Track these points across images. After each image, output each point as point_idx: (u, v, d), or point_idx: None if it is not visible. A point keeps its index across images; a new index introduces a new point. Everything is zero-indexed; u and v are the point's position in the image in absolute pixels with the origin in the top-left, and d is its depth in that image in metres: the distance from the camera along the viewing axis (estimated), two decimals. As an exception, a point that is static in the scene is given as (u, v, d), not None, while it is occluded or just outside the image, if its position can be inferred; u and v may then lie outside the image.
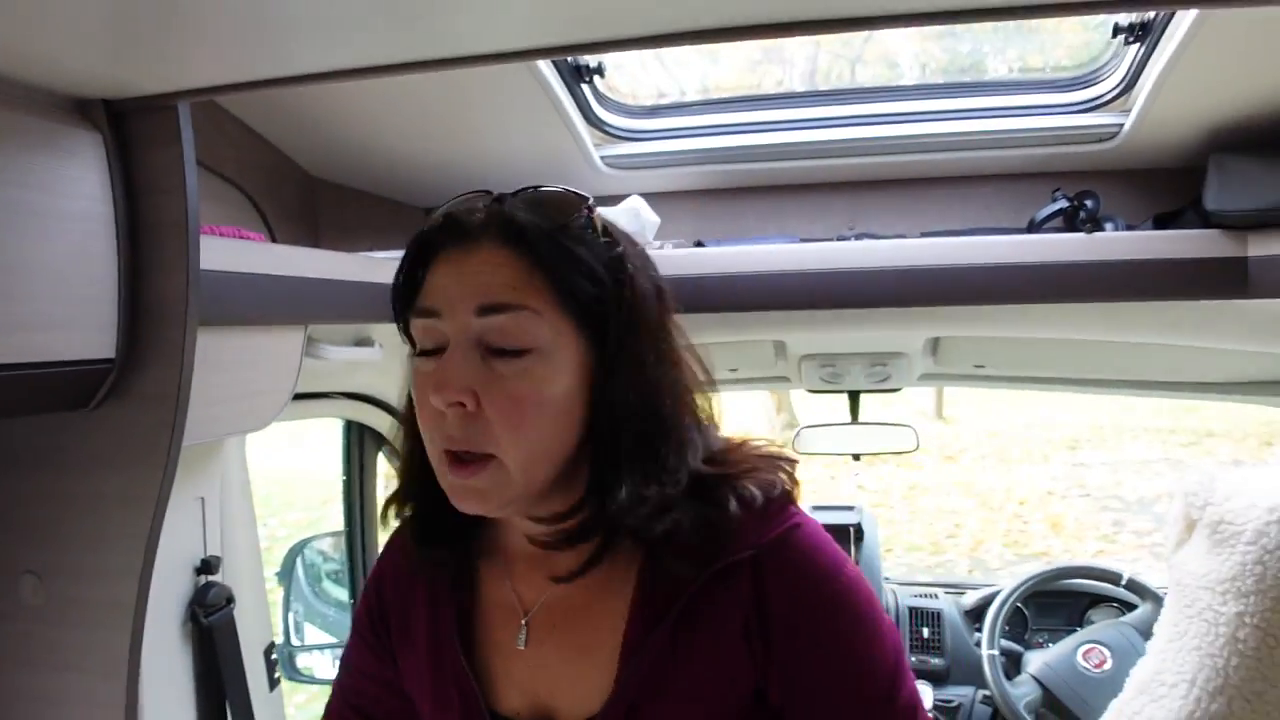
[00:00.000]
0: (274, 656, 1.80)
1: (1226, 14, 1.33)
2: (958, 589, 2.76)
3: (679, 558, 0.93)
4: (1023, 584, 2.45)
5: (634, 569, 0.98)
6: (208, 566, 1.52)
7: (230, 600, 1.55)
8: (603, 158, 1.91)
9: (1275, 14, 1.28)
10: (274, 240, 1.74)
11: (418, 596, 1.09)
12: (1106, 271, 1.58)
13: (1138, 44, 1.59)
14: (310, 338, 1.57)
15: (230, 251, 1.25)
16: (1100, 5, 0.80)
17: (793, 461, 1.02)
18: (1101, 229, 1.66)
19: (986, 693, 2.35)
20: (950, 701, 2.39)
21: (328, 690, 1.25)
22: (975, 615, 2.56)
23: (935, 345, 2.15)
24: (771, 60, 2.17)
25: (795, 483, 1.00)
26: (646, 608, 0.96)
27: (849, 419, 2.51)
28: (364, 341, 1.88)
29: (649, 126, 1.94)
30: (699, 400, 1.01)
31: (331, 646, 2.72)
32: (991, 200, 1.88)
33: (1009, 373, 2.30)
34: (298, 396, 1.60)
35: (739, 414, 11.15)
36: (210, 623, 1.50)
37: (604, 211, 1.78)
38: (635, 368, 0.94)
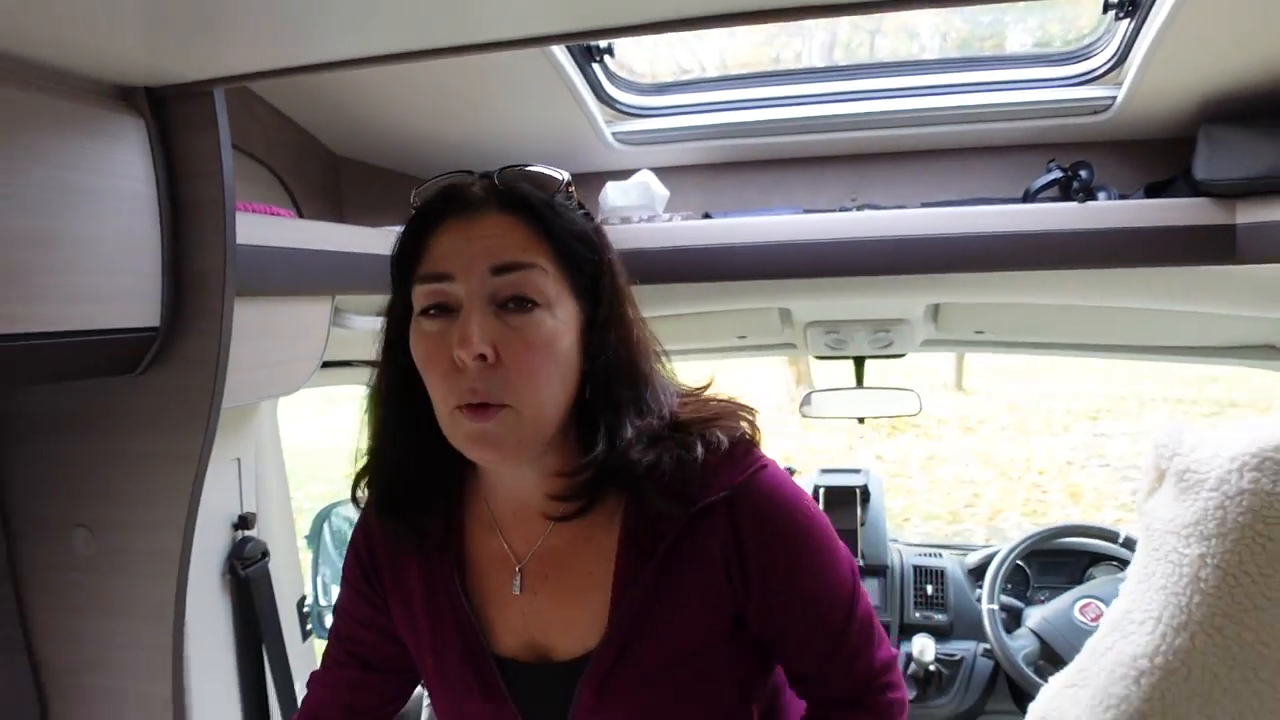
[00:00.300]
0: (306, 609, 1.90)
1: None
2: (962, 549, 2.83)
3: (661, 498, 1.02)
4: (1022, 543, 2.52)
5: (618, 516, 1.07)
6: (244, 522, 1.62)
7: (265, 554, 1.65)
8: (614, 134, 1.98)
9: (1256, -11, 1.33)
10: (301, 216, 1.82)
11: (407, 551, 1.17)
12: (1099, 239, 1.64)
13: (1127, 19, 1.63)
14: (337, 308, 1.65)
15: (262, 227, 1.33)
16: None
17: (753, 411, 1.11)
18: (1094, 198, 1.71)
19: (987, 646, 2.42)
20: (953, 655, 2.46)
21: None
22: (978, 574, 2.62)
23: (936, 312, 2.21)
24: (790, 33, 2.21)
25: (756, 429, 1.10)
26: (633, 549, 1.05)
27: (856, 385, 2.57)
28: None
29: (658, 103, 2.01)
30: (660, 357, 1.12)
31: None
32: (988, 171, 1.93)
33: (1008, 338, 2.36)
34: (326, 364, 1.69)
35: (760, 385, 11.19)
36: (247, 575, 1.60)
37: (615, 185, 1.86)
38: (621, 325, 1.05)
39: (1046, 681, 1.29)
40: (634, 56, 1.98)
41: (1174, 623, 1.11)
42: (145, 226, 1.11)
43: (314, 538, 2.74)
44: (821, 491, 2.72)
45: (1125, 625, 1.16)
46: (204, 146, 1.12)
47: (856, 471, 2.79)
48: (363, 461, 1.18)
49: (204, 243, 1.15)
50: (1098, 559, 2.60)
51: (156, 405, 1.22)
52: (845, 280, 1.78)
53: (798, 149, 2.00)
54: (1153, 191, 1.76)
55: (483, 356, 0.95)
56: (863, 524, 2.66)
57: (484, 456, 1.01)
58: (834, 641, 1.11)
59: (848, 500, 2.68)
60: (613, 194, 1.87)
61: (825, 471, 2.81)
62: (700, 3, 0.88)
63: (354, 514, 2.83)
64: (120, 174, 1.08)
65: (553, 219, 1.02)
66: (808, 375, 11.30)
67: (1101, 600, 2.33)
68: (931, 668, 2.42)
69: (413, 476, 1.11)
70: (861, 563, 2.63)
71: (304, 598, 1.89)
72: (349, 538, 2.90)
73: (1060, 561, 2.61)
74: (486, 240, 0.99)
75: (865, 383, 2.57)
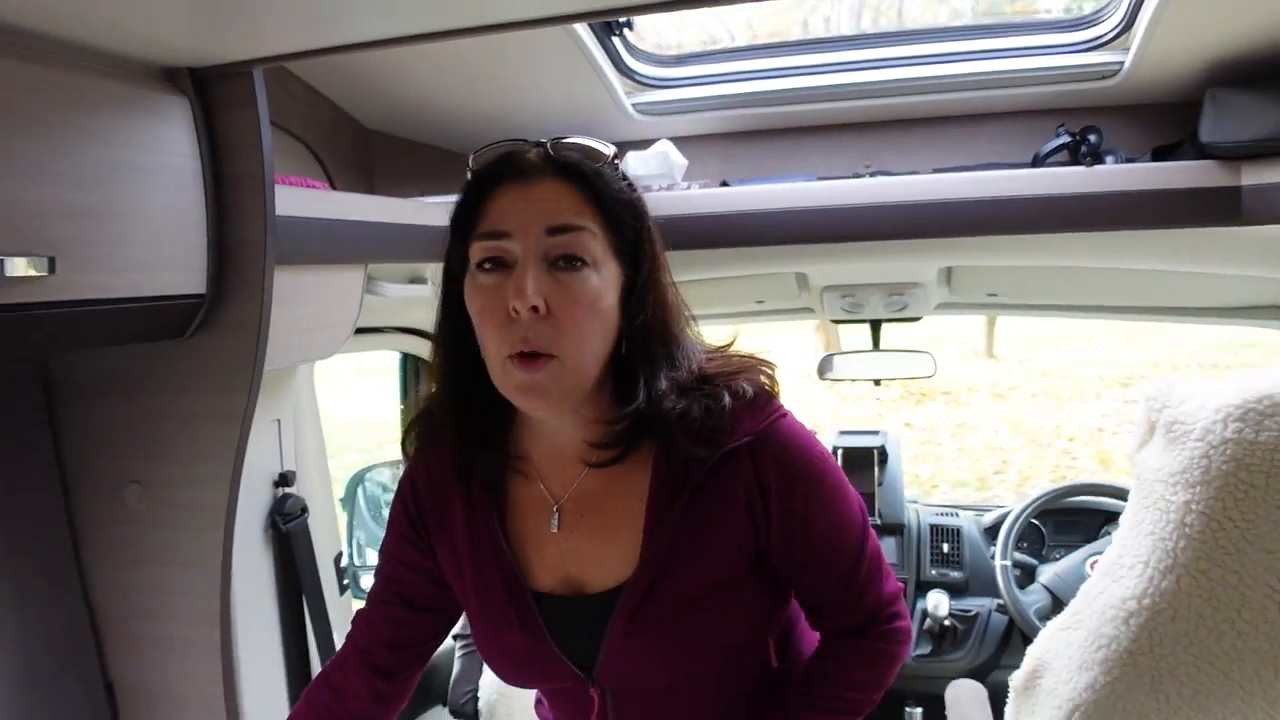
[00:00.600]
0: (343, 564, 1.98)
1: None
2: (979, 510, 2.88)
3: (691, 443, 1.10)
4: (1035, 501, 2.57)
5: (650, 461, 1.16)
6: (285, 480, 1.70)
7: (304, 510, 1.73)
8: (634, 105, 2.03)
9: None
10: (334, 188, 1.89)
11: (452, 500, 1.25)
12: (1107, 202, 1.68)
13: (1133, -16, 1.67)
14: (369, 276, 1.72)
15: (298, 199, 1.40)
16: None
17: (773, 365, 1.20)
18: (1102, 162, 1.75)
19: (1001, 602, 2.48)
20: (968, 611, 2.52)
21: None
22: (993, 532, 2.66)
23: (949, 275, 2.25)
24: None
25: (775, 382, 1.19)
26: (664, 490, 1.14)
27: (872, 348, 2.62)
28: (417, 279, 2.04)
29: (676, 74, 2.06)
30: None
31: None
32: (999, 137, 1.97)
33: (1020, 300, 2.39)
34: (359, 330, 1.76)
35: (789, 353, 11.17)
36: (288, 529, 1.69)
37: (635, 155, 1.92)
38: (657, 288, 1.14)
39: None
40: (663, 24, 2.03)
41: (1161, 566, 1.17)
42: (191, 200, 1.19)
43: (349, 500, 2.83)
44: (840, 452, 2.76)
45: (1116, 570, 1.23)
46: (244, 123, 1.20)
47: (874, 433, 2.83)
48: (412, 417, 1.28)
49: (245, 214, 1.22)
50: (1113, 517, 2.61)
51: (203, 368, 1.30)
52: (859, 245, 1.84)
53: (812, 117, 2.05)
54: (1160, 155, 1.80)
55: (535, 309, 1.03)
56: (880, 484, 2.71)
57: (531, 405, 1.09)
58: (847, 575, 1.20)
59: (865, 461, 2.72)
60: (633, 163, 1.93)
61: (844, 433, 2.85)
62: None
63: (386, 478, 2.93)
64: (167, 151, 1.16)
65: (602, 187, 1.10)
66: (836, 343, 11.26)
67: (1113, 556, 2.38)
68: (946, 623, 2.47)
69: (466, 422, 1.20)
70: (879, 522, 2.69)
71: (340, 554, 1.97)
72: (382, 501, 2.98)
73: (1075, 521, 2.64)
74: (543, 203, 1.08)
75: (883, 347, 2.62)
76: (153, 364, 1.32)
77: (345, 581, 2.00)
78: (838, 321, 2.60)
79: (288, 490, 1.70)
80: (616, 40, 1.90)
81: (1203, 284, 2.09)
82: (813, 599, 1.25)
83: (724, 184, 1.99)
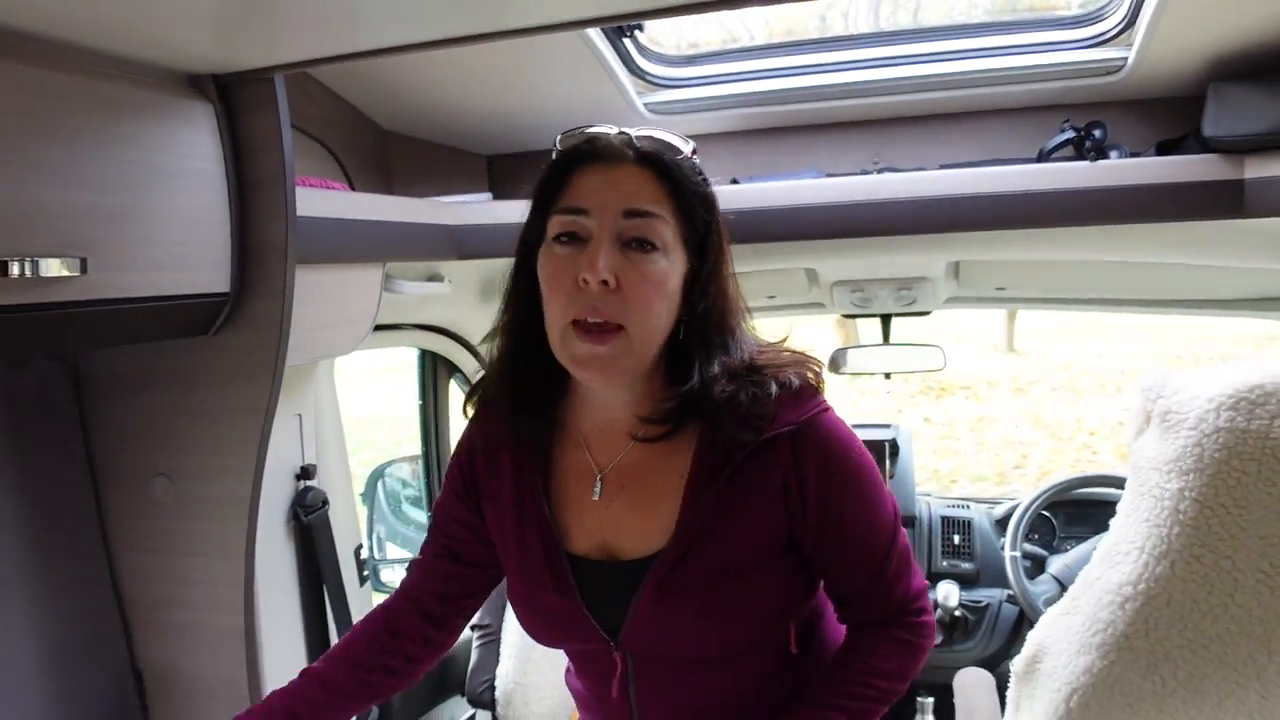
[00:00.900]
0: (363, 556, 2.03)
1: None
2: (990, 503, 2.89)
3: (735, 427, 1.16)
4: (1044, 492, 2.58)
5: (693, 440, 1.21)
6: (306, 473, 1.75)
7: (325, 503, 1.78)
8: (645, 104, 2.07)
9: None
10: (353, 189, 1.93)
11: (503, 463, 1.32)
12: (1112, 196, 1.70)
13: (1135, -19, 1.69)
14: (388, 274, 1.77)
15: (318, 200, 1.45)
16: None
17: (819, 363, 1.25)
18: (1107, 157, 1.77)
19: (1011, 593, 2.49)
20: (979, 602, 2.54)
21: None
22: (1004, 525, 2.66)
23: (957, 269, 2.28)
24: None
25: (820, 380, 1.24)
26: (704, 468, 1.20)
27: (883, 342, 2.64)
28: (434, 277, 2.08)
29: (687, 74, 2.09)
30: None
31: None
32: (1004, 132, 2.00)
33: (1028, 294, 2.41)
34: (378, 328, 1.81)
35: (809, 350, 11.09)
36: (309, 521, 1.74)
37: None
38: (720, 280, 1.20)
39: None
40: (683, 21, 2.07)
41: (1156, 552, 1.20)
42: (215, 202, 1.24)
43: (369, 495, 2.87)
44: (851, 446, 2.76)
45: (1112, 556, 1.25)
46: (266, 127, 1.24)
47: (885, 427, 2.85)
48: (476, 382, 1.35)
49: (267, 215, 1.27)
50: (1123, 509, 2.63)
51: (228, 364, 1.35)
52: (868, 240, 1.87)
53: (821, 115, 2.08)
54: (1164, 149, 1.82)
55: (605, 282, 1.09)
56: (891, 477, 2.73)
57: (590, 376, 1.15)
58: (877, 566, 1.25)
59: (877, 454, 2.73)
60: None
61: (856, 427, 2.86)
62: None
63: (406, 474, 2.96)
64: (192, 155, 1.21)
65: (680, 178, 1.16)
66: (855, 338, 11.23)
67: (1122, 547, 2.39)
68: (957, 613, 2.49)
69: (522, 389, 1.26)
70: (890, 514, 2.69)
71: (360, 546, 2.01)
72: (401, 496, 3.01)
73: (1086, 512, 2.65)
74: (623, 186, 1.14)
75: (895, 341, 2.64)
76: (179, 360, 1.37)
77: (365, 573, 2.04)
78: (849, 316, 2.62)
79: (309, 483, 1.75)
80: (627, 41, 1.94)
81: (1207, 276, 2.11)
82: (842, 590, 1.30)
83: (734, 181, 2.02)
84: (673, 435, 1.20)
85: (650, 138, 1.18)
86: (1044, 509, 2.60)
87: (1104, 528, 2.60)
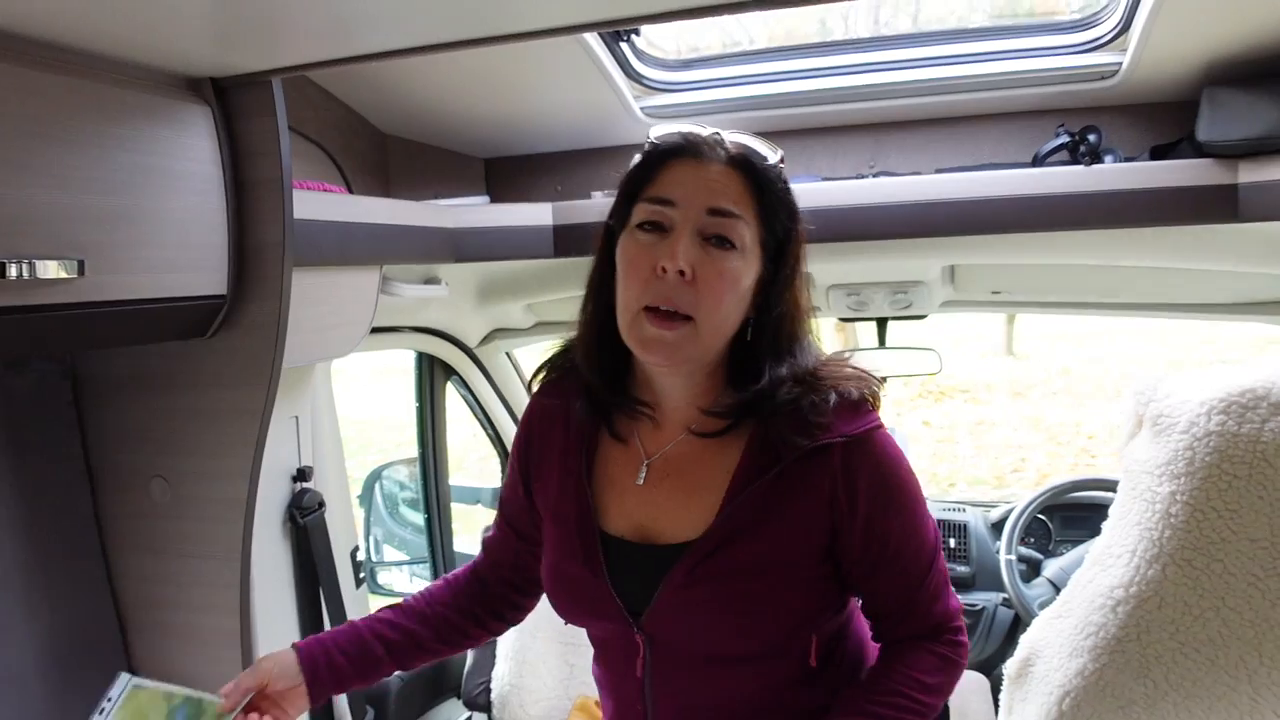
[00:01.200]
0: (359, 558, 2.03)
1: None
2: (986, 506, 2.89)
3: (790, 430, 1.18)
4: (1040, 496, 2.58)
5: (745, 438, 1.23)
6: (302, 475, 1.75)
7: (321, 505, 1.78)
8: (642, 109, 2.07)
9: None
10: (351, 191, 1.94)
11: (556, 435, 1.35)
12: (1106, 200, 1.71)
13: (1129, -14, 1.69)
14: (385, 276, 1.77)
15: (316, 202, 1.46)
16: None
17: (879, 381, 1.27)
18: (1101, 161, 1.78)
19: (1007, 596, 2.49)
20: (975, 605, 2.54)
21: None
22: (1000, 528, 2.64)
23: (952, 273, 2.28)
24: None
25: (878, 399, 1.26)
26: (752, 465, 1.22)
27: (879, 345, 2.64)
28: (432, 280, 2.09)
29: (684, 78, 2.09)
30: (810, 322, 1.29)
31: (409, 563, 2.95)
32: (999, 137, 2.00)
33: (1024, 298, 2.41)
34: (375, 330, 1.81)
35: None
36: (305, 523, 1.74)
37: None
38: (792, 288, 1.23)
39: None
40: (683, 25, 2.07)
41: (1147, 555, 1.21)
42: (213, 204, 1.24)
43: (366, 497, 2.88)
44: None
45: (1104, 559, 1.26)
46: (264, 131, 1.25)
47: None
48: (551, 353, 1.40)
49: (265, 218, 1.28)
50: (1119, 512, 2.63)
51: (224, 366, 1.35)
52: (864, 244, 1.88)
53: (817, 119, 2.09)
54: (1158, 154, 1.82)
55: (682, 273, 1.13)
56: None
57: (655, 360, 1.18)
58: (917, 583, 1.27)
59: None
60: (641, 166, 1.96)
61: None
62: None
63: (403, 476, 2.96)
64: (190, 157, 1.21)
65: (766, 184, 1.19)
66: (854, 341, 11.21)
67: (1117, 550, 2.39)
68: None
69: (596, 364, 1.29)
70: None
71: (356, 548, 2.02)
72: (399, 498, 3.01)
73: (1082, 516, 2.64)
74: (711, 184, 1.17)
75: (891, 345, 2.64)
76: (176, 362, 1.37)
77: (361, 575, 2.05)
78: (845, 320, 2.62)
79: (305, 485, 1.76)
80: (624, 46, 1.94)
81: (1202, 280, 2.11)
82: (880, 605, 1.31)
83: (731, 184, 2.02)
84: (727, 432, 1.23)
85: (741, 141, 1.21)
86: (1040, 512, 2.60)
87: (1099, 531, 2.63)
